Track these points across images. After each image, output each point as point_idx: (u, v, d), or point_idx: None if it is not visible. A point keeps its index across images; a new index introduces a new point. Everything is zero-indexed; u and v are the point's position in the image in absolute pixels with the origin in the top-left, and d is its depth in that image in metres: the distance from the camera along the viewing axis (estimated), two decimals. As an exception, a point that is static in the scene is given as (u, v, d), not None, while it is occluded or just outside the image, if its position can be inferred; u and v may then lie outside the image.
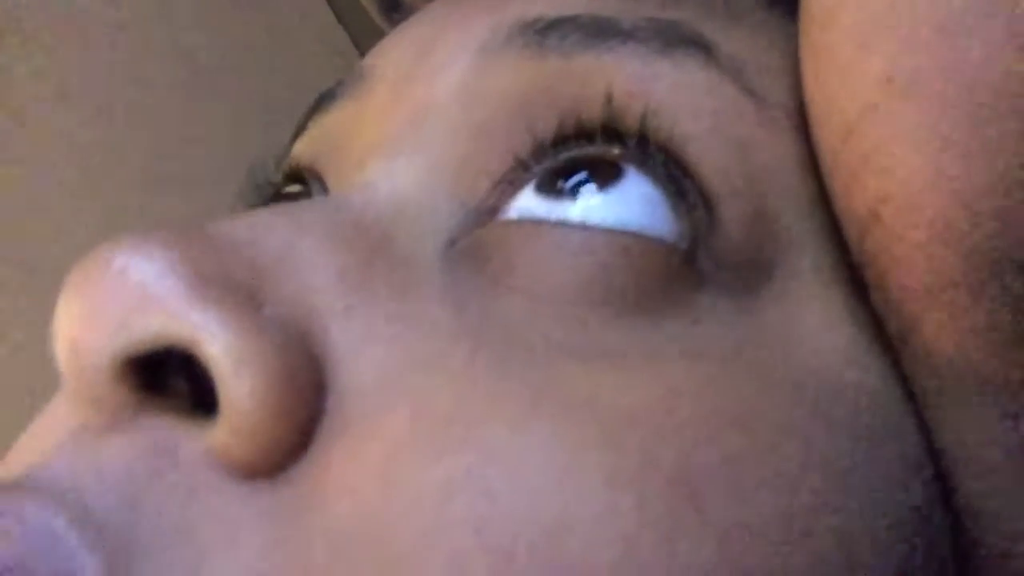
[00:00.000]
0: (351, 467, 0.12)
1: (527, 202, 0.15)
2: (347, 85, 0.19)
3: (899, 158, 0.13)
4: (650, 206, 0.15)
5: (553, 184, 0.15)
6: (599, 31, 0.16)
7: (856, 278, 0.15)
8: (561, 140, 0.15)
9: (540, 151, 0.16)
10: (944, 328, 0.13)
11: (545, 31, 0.16)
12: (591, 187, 0.15)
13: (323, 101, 0.19)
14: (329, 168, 0.18)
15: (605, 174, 0.15)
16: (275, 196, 0.20)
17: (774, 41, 0.17)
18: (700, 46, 0.16)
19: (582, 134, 0.15)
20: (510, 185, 0.15)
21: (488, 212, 0.15)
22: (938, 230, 0.13)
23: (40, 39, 0.53)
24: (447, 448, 0.12)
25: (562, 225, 0.14)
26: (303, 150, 0.20)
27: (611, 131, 0.15)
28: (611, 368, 0.13)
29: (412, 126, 0.16)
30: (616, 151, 0.15)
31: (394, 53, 0.18)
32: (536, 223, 0.15)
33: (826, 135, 0.14)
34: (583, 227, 0.14)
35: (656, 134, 0.15)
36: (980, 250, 0.12)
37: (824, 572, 0.12)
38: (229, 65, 0.59)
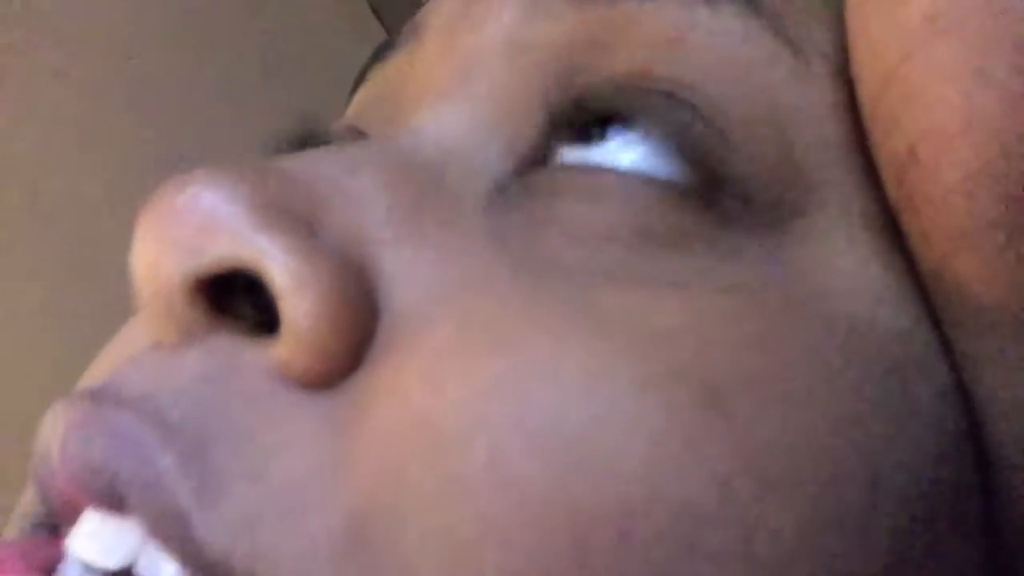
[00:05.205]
0: (400, 374, 0.13)
1: (565, 149, 0.16)
2: (403, 36, 0.20)
3: (938, 97, 0.13)
4: (668, 153, 0.15)
5: (587, 132, 0.16)
6: None
7: (888, 223, 0.15)
8: (598, 90, 0.16)
9: (580, 100, 0.16)
10: (978, 269, 0.13)
11: None
12: (619, 135, 0.16)
13: (381, 51, 0.20)
14: (382, 116, 0.19)
15: (631, 122, 0.16)
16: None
17: None
18: None
19: (617, 84, 0.16)
20: (552, 134, 0.16)
21: (531, 161, 0.16)
22: (974, 170, 0.13)
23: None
24: (488, 353, 0.13)
25: (594, 170, 0.15)
26: (357, 102, 0.21)
27: (642, 83, 0.16)
28: (643, 291, 0.14)
29: (460, 75, 0.17)
30: (643, 102, 0.16)
31: (445, 4, 0.19)
32: (572, 170, 0.15)
33: (868, 79, 0.15)
34: (612, 171, 0.15)
35: (682, 84, 0.15)
36: (1016, 191, 0.13)
37: (847, 487, 0.13)
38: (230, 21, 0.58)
